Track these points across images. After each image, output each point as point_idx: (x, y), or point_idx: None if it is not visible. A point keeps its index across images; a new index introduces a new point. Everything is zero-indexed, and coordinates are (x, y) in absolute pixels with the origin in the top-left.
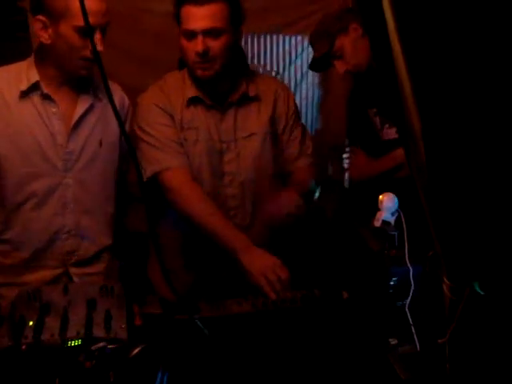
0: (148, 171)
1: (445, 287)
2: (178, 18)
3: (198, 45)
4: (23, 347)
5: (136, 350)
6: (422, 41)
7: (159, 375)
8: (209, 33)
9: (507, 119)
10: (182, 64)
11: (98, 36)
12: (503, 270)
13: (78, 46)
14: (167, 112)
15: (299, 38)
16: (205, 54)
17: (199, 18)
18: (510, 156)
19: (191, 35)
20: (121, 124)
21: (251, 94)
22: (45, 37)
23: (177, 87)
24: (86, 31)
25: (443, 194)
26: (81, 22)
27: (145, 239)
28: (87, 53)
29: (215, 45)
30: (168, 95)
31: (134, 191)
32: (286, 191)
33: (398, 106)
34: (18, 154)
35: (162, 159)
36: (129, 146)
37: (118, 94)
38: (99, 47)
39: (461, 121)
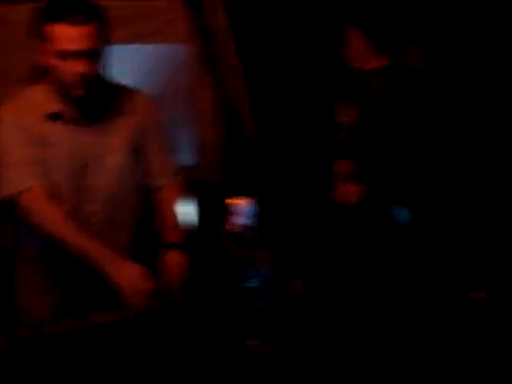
0: (3, 194)
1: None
2: (43, 35)
3: (79, 66)
4: None
5: None
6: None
7: None
8: (88, 54)
9: None
10: (36, 77)
11: None
12: None
13: None
14: (23, 130)
15: (162, 46)
16: (86, 75)
17: (76, 38)
18: None
19: (68, 55)
20: None
21: (114, 108)
22: None
23: (37, 102)
24: None
25: None
26: None
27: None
28: None
29: (93, 65)
30: (25, 111)
31: None
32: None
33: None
34: None
35: (18, 180)
36: None
37: None
38: None
39: None
